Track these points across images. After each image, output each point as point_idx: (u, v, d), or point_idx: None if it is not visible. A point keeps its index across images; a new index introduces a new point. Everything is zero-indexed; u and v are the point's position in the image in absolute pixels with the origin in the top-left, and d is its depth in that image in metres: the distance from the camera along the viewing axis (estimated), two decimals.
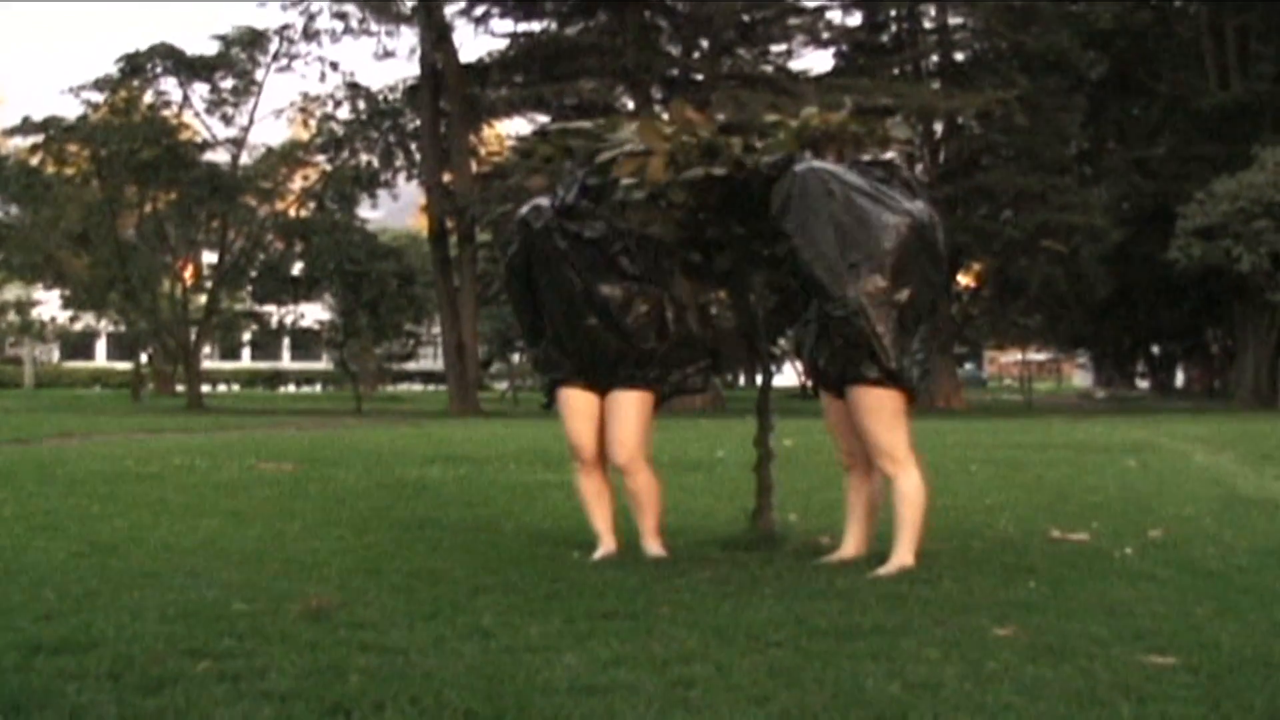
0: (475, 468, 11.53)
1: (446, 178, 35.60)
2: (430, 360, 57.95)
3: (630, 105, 34.31)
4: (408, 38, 39.84)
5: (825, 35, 37.92)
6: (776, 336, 6.93)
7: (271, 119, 56.15)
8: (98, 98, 35.73)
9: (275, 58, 37.33)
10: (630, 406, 6.17)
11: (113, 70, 35.87)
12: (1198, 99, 37.08)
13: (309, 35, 37.10)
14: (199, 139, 37.54)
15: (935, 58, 39.06)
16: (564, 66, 33.92)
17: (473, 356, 35.80)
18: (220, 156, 37.76)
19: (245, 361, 67.21)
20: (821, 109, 6.27)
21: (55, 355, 64.21)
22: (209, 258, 39.11)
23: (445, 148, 35.54)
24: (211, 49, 36.82)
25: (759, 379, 6.69)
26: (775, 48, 37.51)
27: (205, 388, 41.29)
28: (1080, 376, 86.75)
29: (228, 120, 37.81)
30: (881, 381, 5.72)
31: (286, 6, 37.00)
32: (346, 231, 35.92)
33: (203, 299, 38.96)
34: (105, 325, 51.61)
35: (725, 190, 5.97)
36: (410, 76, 37.49)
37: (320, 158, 39.22)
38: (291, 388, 63.11)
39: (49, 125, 35.01)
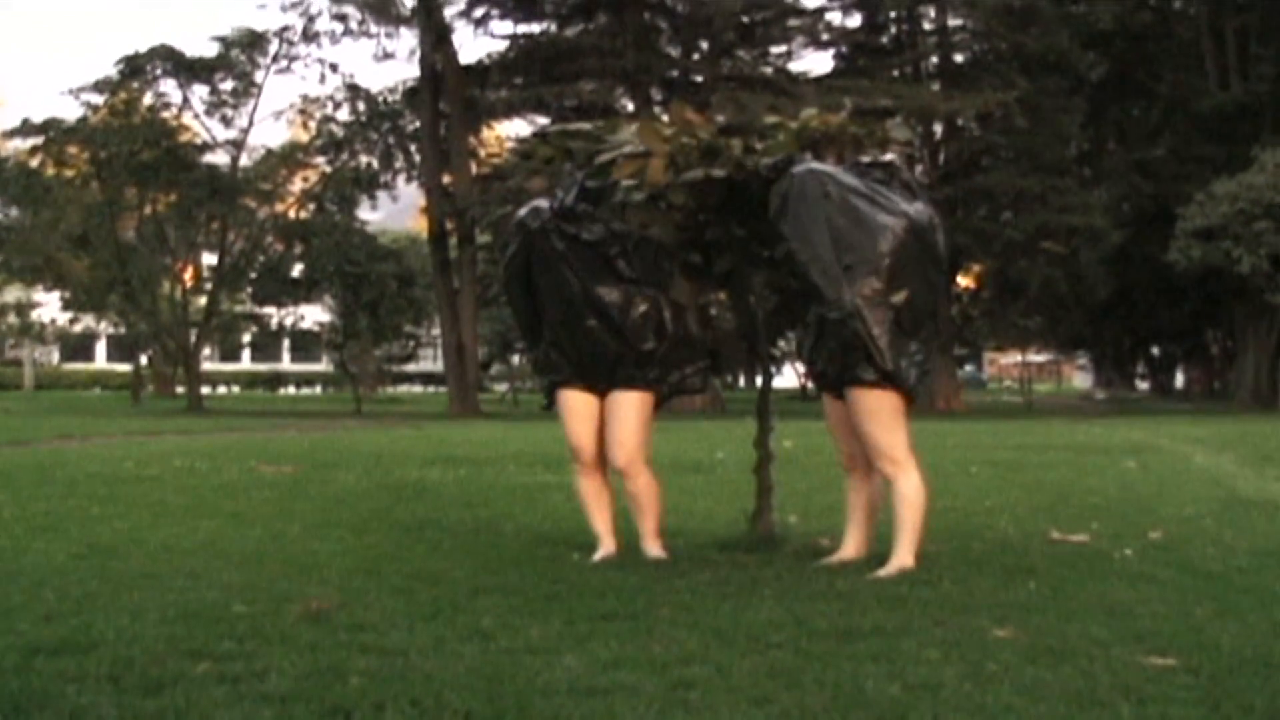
0: (475, 469, 11.53)
1: (446, 179, 35.60)
2: (430, 362, 57.97)
3: (630, 107, 34.32)
4: (407, 39, 39.98)
5: (825, 37, 37.93)
6: (776, 338, 6.93)
7: (271, 121, 56.33)
8: (97, 99, 35.75)
9: (275, 59, 37.35)
10: (630, 408, 6.18)
11: (112, 72, 35.89)
12: (1198, 100, 37.09)
13: (309, 37, 37.12)
14: (199, 141, 37.55)
15: (935, 59, 39.04)
16: (564, 68, 33.91)
17: (472, 358, 35.80)
18: (220, 158, 37.79)
19: (245, 363, 67.22)
20: (821, 110, 6.27)
21: (55, 357, 64.22)
22: (209, 259, 39.11)
23: (445, 149, 35.54)
24: (211, 51, 36.85)
25: (759, 380, 6.69)
26: (775, 49, 37.51)
27: (205, 389, 41.29)
28: (1080, 378, 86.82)
29: (227, 122, 37.84)
30: (878, 383, 5.72)
31: (286, 8, 37.04)
32: (346, 233, 35.94)
33: (203, 301, 38.97)
34: (105, 327, 51.63)
35: (725, 192, 5.97)
36: (410, 78, 37.54)
37: (320, 159, 39.24)
38: (291, 389, 63.11)
39: (49, 127, 35.02)
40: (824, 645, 4.21)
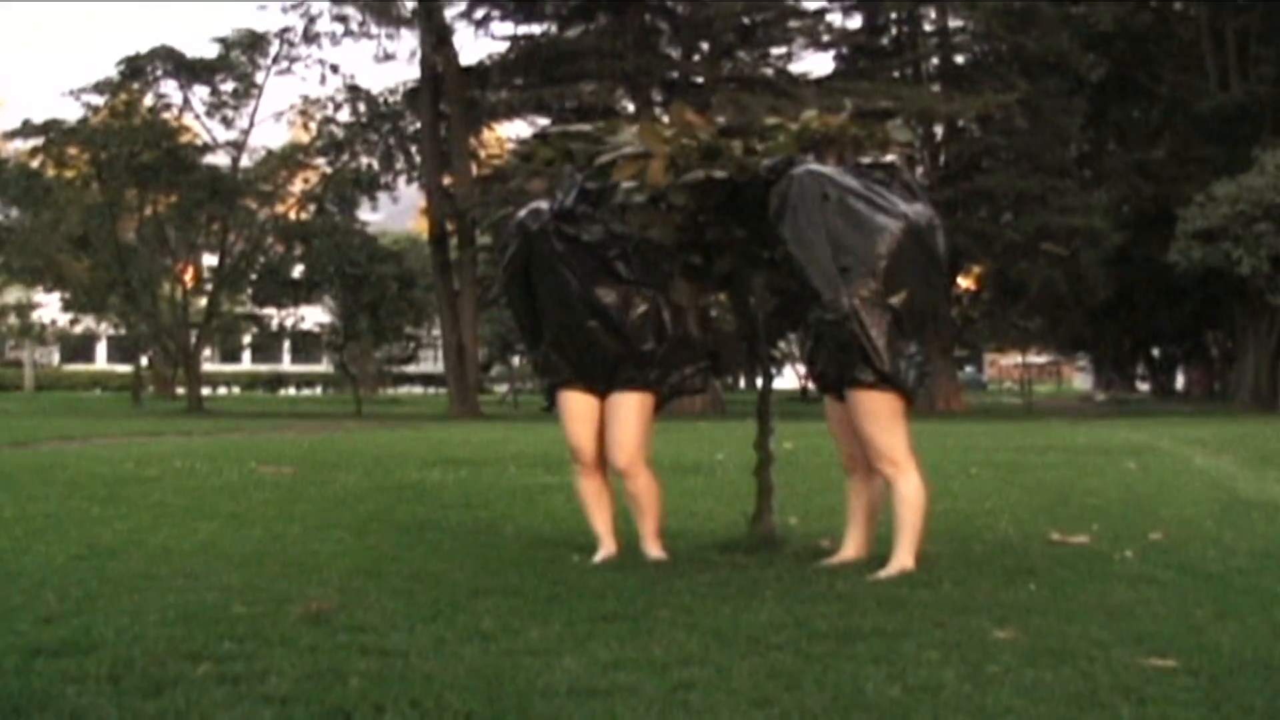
0: (475, 470, 11.53)
1: (447, 180, 35.62)
2: (430, 363, 57.96)
3: (630, 108, 34.32)
4: (408, 40, 39.91)
5: (825, 38, 37.92)
6: (776, 339, 6.92)
7: (272, 122, 56.31)
8: (98, 100, 35.78)
9: (275, 60, 37.40)
10: (630, 409, 6.18)
11: (113, 73, 35.95)
12: (1198, 101, 37.08)
13: (309, 38, 37.16)
14: (199, 142, 37.59)
15: (935, 60, 39.06)
16: (564, 69, 33.92)
17: (473, 359, 35.81)
18: (220, 159, 37.83)
19: (245, 364, 67.22)
20: (822, 112, 6.27)
21: (55, 358, 64.27)
22: (209, 260, 39.14)
23: (445, 150, 35.56)
24: (212, 52, 36.92)
25: (759, 382, 6.69)
26: (775, 50, 37.51)
27: (205, 390, 41.31)
28: (1080, 379, 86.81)
29: (228, 123, 37.89)
30: (877, 384, 5.72)
31: (287, 9, 37.08)
32: (346, 234, 35.96)
33: (203, 302, 39.00)
34: (105, 328, 51.66)
35: (725, 193, 5.97)
36: (410, 79, 37.57)
37: (320, 160, 39.28)
38: (291, 390, 63.11)
39: (49, 128, 35.05)
40: (824, 647, 4.21)
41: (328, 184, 38.42)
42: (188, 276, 38.69)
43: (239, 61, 37.00)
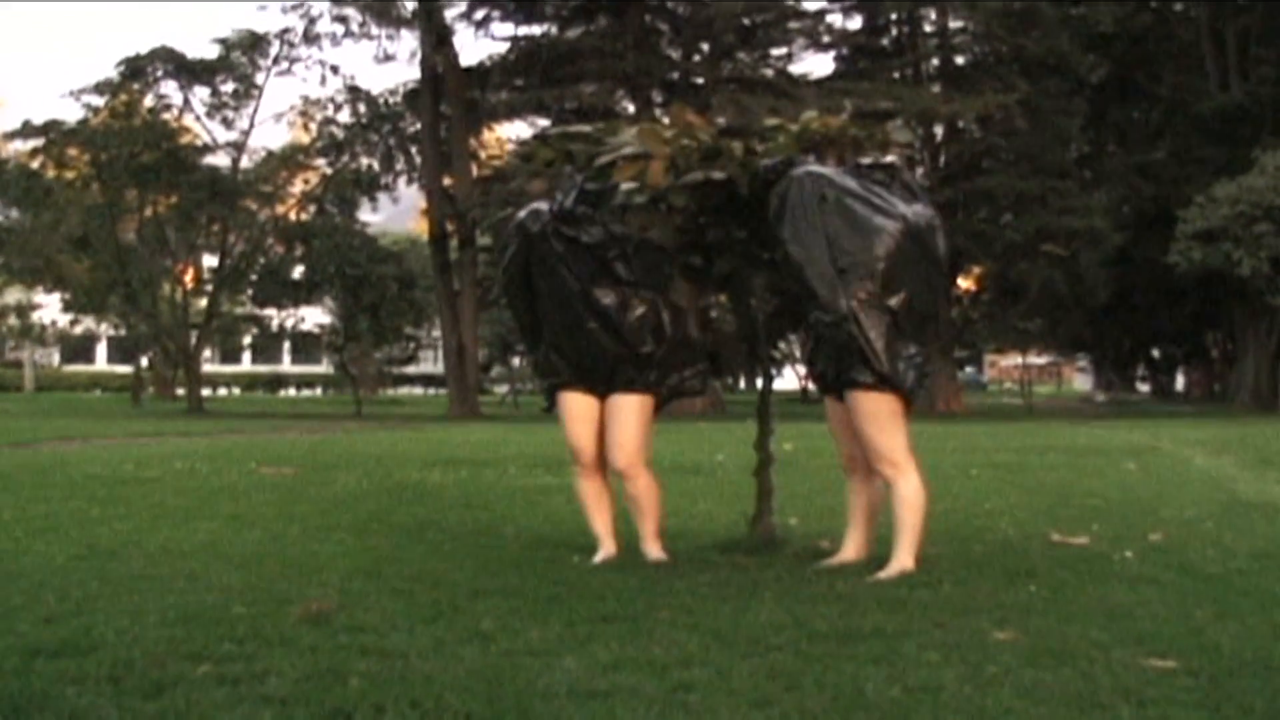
0: (475, 471, 11.53)
1: (447, 181, 35.63)
2: (430, 364, 58.00)
3: (631, 109, 34.33)
4: (408, 41, 39.91)
5: (826, 39, 37.94)
6: (777, 340, 6.92)
7: (272, 123, 56.21)
8: (98, 101, 35.80)
9: (276, 61, 37.41)
10: (630, 410, 6.18)
11: (113, 74, 35.96)
12: (1198, 102, 37.10)
13: (309, 39, 37.18)
14: (199, 142, 37.61)
15: (936, 61, 39.05)
16: (564, 70, 33.92)
17: (473, 360, 35.81)
18: (221, 160, 37.86)
19: (245, 365, 67.24)
20: (822, 112, 6.27)
21: (55, 359, 64.28)
22: (209, 261, 39.16)
23: (446, 151, 35.56)
24: (212, 52, 36.95)
25: (759, 383, 6.69)
26: (776, 51, 37.53)
27: (205, 391, 41.31)
28: (1080, 380, 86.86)
29: (228, 124, 37.91)
30: (875, 385, 5.72)
31: (287, 10, 37.12)
32: (347, 235, 35.96)
33: (203, 302, 39.02)
34: (105, 329, 51.69)
35: (726, 194, 5.97)
36: (411, 80, 37.59)
37: (320, 161, 39.30)
38: (292, 391, 63.12)
39: (49, 129, 35.07)
40: (824, 647, 4.21)
41: (328, 185, 38.43)
42: (188, 277, 38.71)
43: (239, 62, 37.01)
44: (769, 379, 6.60)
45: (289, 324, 41.51)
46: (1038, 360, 75.03)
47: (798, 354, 6.58)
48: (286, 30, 37.06)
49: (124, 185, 35.11)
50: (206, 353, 46.09)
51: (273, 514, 7.99)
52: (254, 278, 38.24)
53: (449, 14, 35.72)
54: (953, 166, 37.75)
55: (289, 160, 38.76)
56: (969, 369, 70.71)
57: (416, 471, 11.47)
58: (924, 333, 5.90)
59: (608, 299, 6.12)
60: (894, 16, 38.37)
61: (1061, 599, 5.08)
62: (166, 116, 36.74)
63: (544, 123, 34.24)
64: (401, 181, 39.17)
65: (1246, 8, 36.64)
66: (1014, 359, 73.41)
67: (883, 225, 5.69)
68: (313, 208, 38.39)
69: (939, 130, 38.49)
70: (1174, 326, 46.53)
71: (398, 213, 47.67)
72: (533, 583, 5.41)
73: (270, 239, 37.89)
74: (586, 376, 6.24)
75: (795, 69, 38.05)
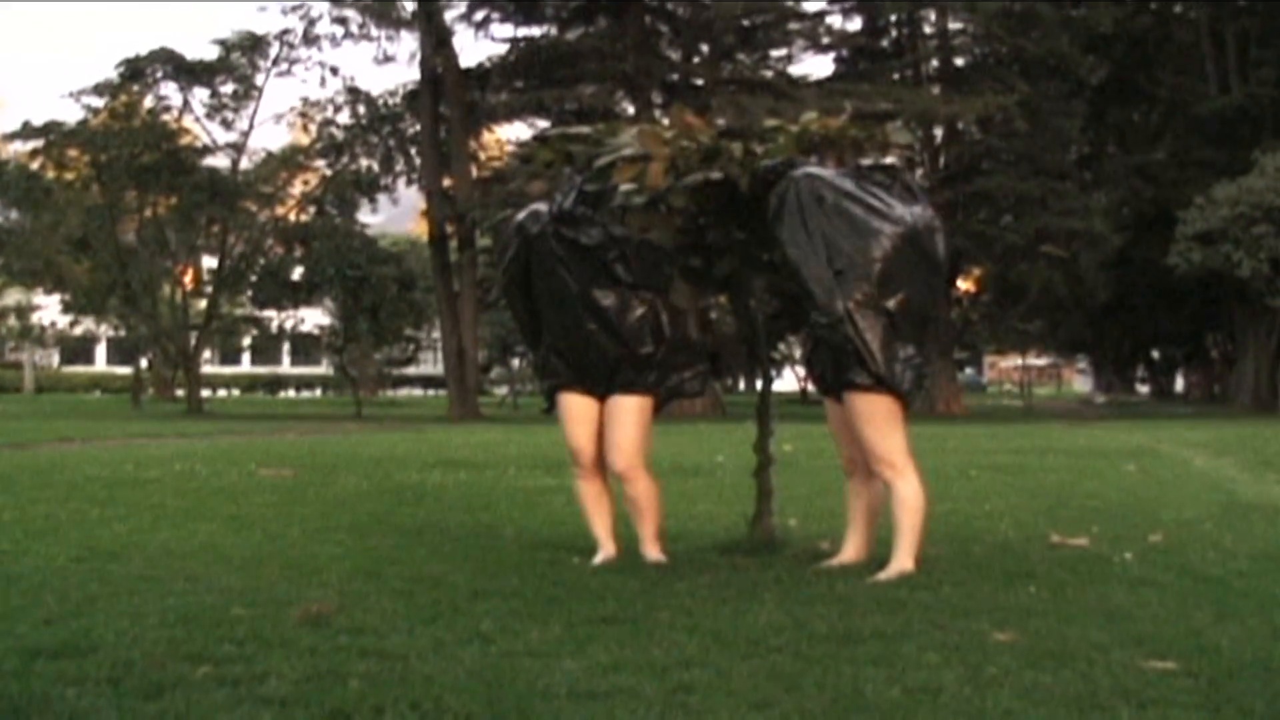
0: (475, 473, 11.53)
1: (446, 183, 35.62)
2: (430, 365, 58.00)
3: (630, 110, 34.32)
4: (408, 42, 39.96)
5: (825, 40, 37.94)
6: (776, 341, 6.92)
7: (272, 124, 56.27)
8: (98, 102, 35.83)
9: (275, 62, 37.44)
10: (629, 412, 6.17)
11: (113, 75, 35.99)
12: (1198, 104, 37.11)
13: (309, 40, 37.20)
14: (199, 144, 37.62)
15: (935, 63, 39.04)
16: (564, 71, 33.92)
17: (473, 361, 35.81)
18: (220, 161, 37.90)
19: (245, 366, 67.29)
20: (821, 114, 6.27)
21: (55, 360, 64.29)
22: (209, 263, 39.18)
23: (445, 152, 35.56)
24: (212, 54, 36.97)
25: (759, 384, 6.69)
26: (775, 52, 37.54)
27: (205, 392, 41.31)
28: (1080, 381, 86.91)
29: (228, 125, 37.94)
30: (872, 387, 5.72)
31: (287, 11, 37.16)
32: (346, 236, 35.99)
33: (203, 304, 39.03)
34: (105, 330, 51.69)
35: (725, 195, 5.97)
36: (410, 81, 37.60)
37: (320, 162, 39.32)
38: (291, 393, 63.14)
39: (49, 130, 35.09)
40: (824, 649, 4.21)
41: (327, 186, 38.44)
42: (187, 278, 38.72)
43: (239, 63, 37.04)
44: (768, 380, 6.60)
45: (288, 325, 41.53)
46: (1037, 362, 75.09)
47: (797, 355, 6.58)
48: (286, 31, 37.13)
49: (124, 186, 35.14)
50: (206, 354, 46.09)
51: (272, 515, 7.99)
52: (254, 279, 38.26)
53: (448, 15, 35.74)
54: (952, 168, 37.74)
55: (289, 161, 38.78)
56: (969, 370, 70.76)
57: (416, 473, 11.47)
58: (922, 334, 5.90)
59: (607, 300, 6.12)
60: (894, 18, 38.37)
61: (1061, 600, 5.08)
62: (166, 118, 36.77)
63: (543, 124, 34.21)
64: (401, 183, 39.21)
65: (1246, 9, 36.66)
66: (1014, 360, 73.47)
67: (880, 227, 5.69)
68: (312, 209, 38.40)
69: (939, 132, 38.48)
70: (1174, 328, 46.54)
71: (397, 214, 47.67)
72: (533, 584, 5.41)
73: (270, 240, 37.91)
74: (586, 378, 6.24)
75: (795, 70, 38.13)
